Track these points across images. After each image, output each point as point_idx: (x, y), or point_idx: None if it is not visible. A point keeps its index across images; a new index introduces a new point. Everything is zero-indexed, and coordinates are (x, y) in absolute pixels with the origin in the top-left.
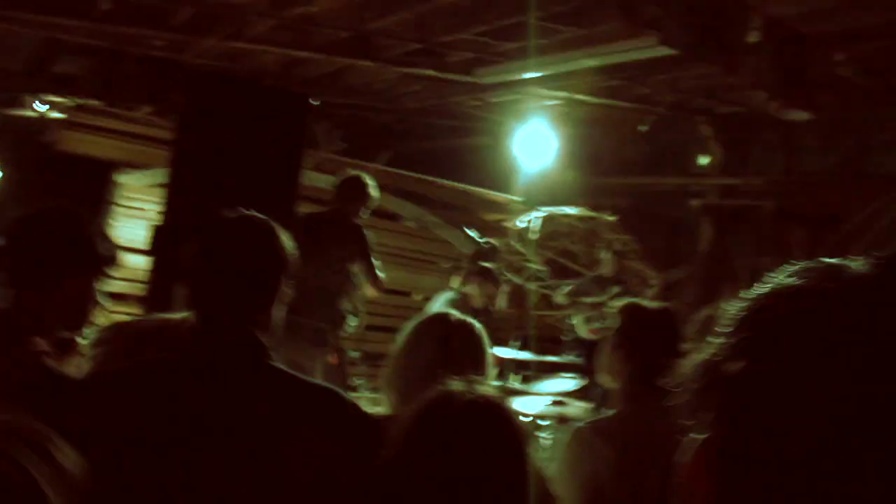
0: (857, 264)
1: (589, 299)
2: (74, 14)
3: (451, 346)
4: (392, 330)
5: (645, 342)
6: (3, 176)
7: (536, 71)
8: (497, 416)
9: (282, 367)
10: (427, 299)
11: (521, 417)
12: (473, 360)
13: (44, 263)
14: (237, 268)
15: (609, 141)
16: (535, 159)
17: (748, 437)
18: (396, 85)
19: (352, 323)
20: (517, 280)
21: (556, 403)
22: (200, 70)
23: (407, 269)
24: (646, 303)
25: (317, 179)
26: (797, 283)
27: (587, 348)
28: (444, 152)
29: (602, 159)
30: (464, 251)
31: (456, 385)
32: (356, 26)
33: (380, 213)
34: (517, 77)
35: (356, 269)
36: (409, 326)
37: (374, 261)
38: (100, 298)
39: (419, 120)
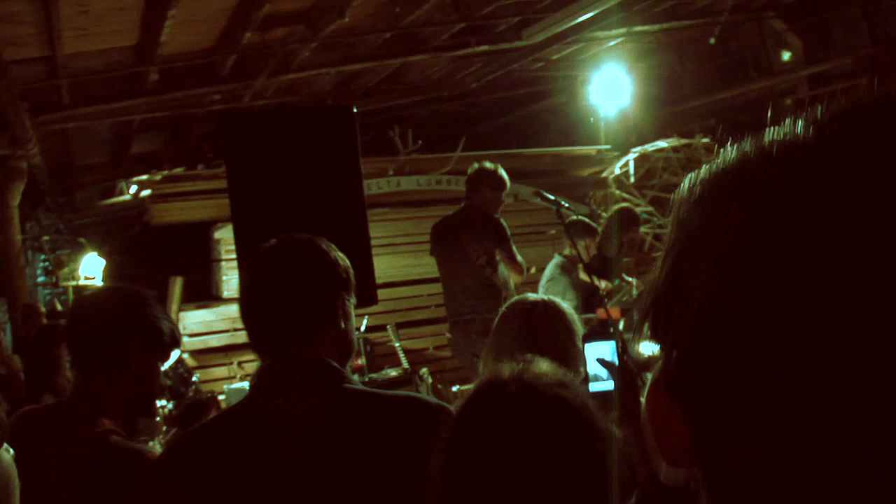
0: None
1: None
2: (130, 94)
3: (532, 325)
4: None
5: None
6: (108, 262)
7: (582, 13)
8: (546, 406)
9: (359, 387)
10: (541, 270)
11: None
12: (554, 339)
13: (105, 342)
14: (281, 293)
15: (684, 64)
16: (615, 103)
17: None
18: (452, 70)
19: None
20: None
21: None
22: (236, 112)
23: (518, 246)
24: None
25: (407, 183)
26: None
27: None
28: (522, 122)
29: (682, 84)
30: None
31: (508, 370)
32: (395, 24)
33: None
34: (568, 25)
35: (499, 258)
36: (501, 309)
37: (511, 247)
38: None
39: (489, 97)
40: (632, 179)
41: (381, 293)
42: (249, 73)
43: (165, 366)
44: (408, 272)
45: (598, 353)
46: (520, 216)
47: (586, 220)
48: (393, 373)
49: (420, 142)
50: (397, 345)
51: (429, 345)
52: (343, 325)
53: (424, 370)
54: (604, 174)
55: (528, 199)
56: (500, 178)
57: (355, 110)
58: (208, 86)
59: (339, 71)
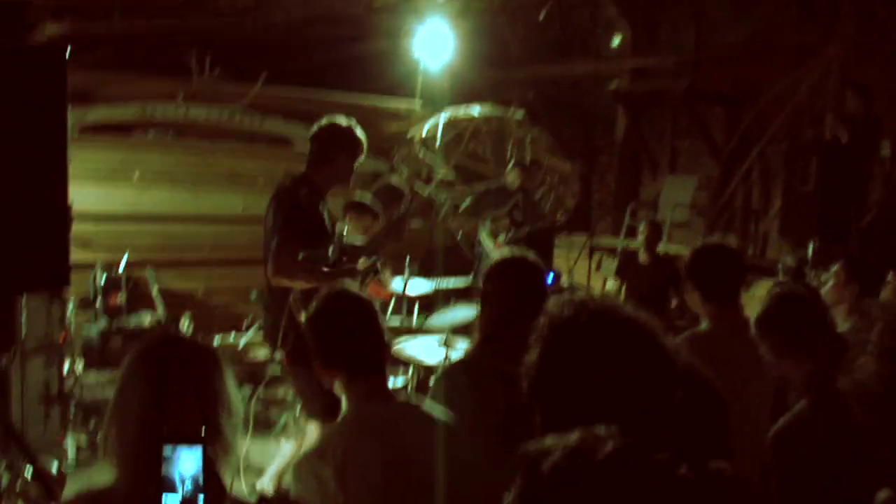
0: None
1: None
2: None
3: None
4: None
5: None
6: None
7: None
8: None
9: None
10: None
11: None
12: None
13: None
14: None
15: (515, 30)
16: (436, 59)
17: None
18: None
19: None
20: (424, 191)
21: (444, 343)
22: None
23: None
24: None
25: (196, 112)
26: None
27: None
28: (342, 65)
29: (508, 51)
30: (368, 167)
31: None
32: None
33: (267, 140)
34: None
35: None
36: None
37: (283, 237)
38: None
39: (303, 33)
40: (438, 143)
41: (153, 228)
42: None
43: None
44: (184, 208)
45: None
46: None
47: (365, 202)
48: (147, 320)
49: (218, 69)
50: (154, 292)
51: (199, 286)
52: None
53: (186, 316)
54: (410, 132)
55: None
56: (361, 145)
57: (72, 53)
58: None
59: None
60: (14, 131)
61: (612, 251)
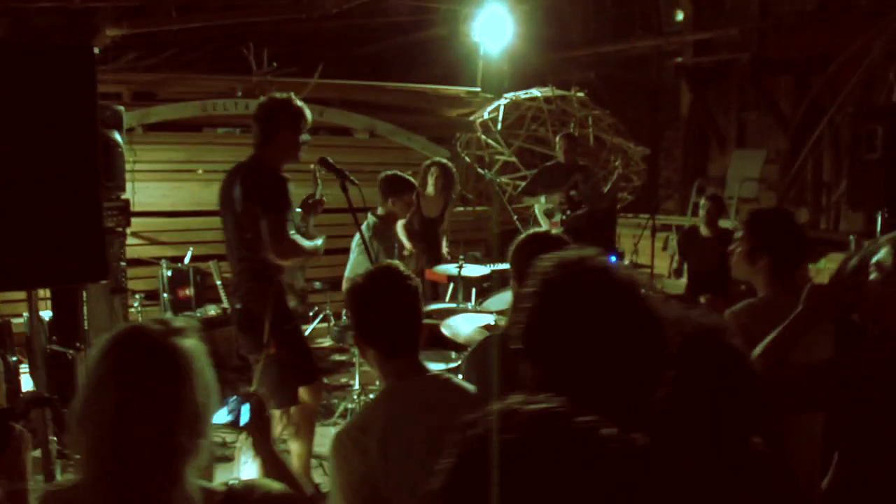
0: None
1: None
2: None
3: None
4: None
5: None
6: None
7: None
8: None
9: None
10: None
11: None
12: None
13: None
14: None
15: (575, 10)
16: (497, 42)
17: None
18: None
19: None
20: (487, 175)
21: (489, 327)
22: None
23: (370, 185)
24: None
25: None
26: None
27: None
28: (401, 51)
29: (569, 31)
30: (427, 154)
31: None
32: None
33: (329, 129)
34: None
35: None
36: None
37: (281, 219)
38: None
39: (358, 22)
40: (499, 126)
41: (216, 222)
42: None
43: None
44: None
45: None
46: (374, 154)
47: (398, 173)
48: (212, 311)
49: (275, 63)
50: (219, 283)
51: None
52: None
53: None
54: (472, 117)
55: (386, 136)
56: (302, 115)
57: (96, 51)
58: None
59: None
60: (47, 129)
61: (679, 229)
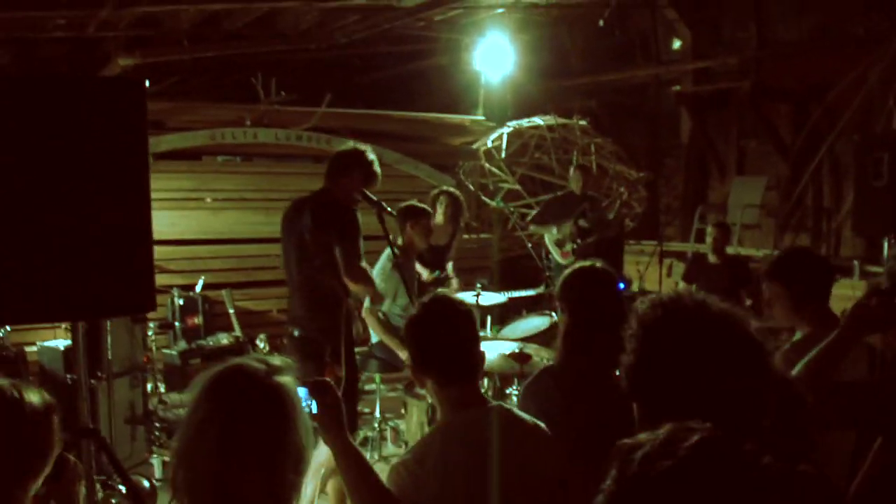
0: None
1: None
2: None
3: None
4: None
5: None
6: None
7: None
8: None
9: None
10: None
11: None
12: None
13: None
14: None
15: (574, 39)
16: (498, 71)
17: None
18: (324, 22)
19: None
20: (490, 203)
21: (515, 355)
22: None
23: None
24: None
25: (265, 135)
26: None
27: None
28: (403, 80)
29: (569, 60)
30: (433, 183)
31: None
32: None
33: None
34: None
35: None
36: None
37: (355, 247)
38: None
39: (370, 51)
40: (503, 154)
41: (226, 249)
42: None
43: None
44: (256, 229)
45: None
46: (381, 182)
47: (415, 203)
48: (225, 340)
49: (283, 93)
50: (231, 311)
51: (272, 307)
52: None
53: (262, 337)
54: (475, 145)
55: (392, 164)
56: (375, 174)
57: (147, 85)
58: (48, 9)
59: (202, 10)
60: (99, 160)
61: (681, 256)
